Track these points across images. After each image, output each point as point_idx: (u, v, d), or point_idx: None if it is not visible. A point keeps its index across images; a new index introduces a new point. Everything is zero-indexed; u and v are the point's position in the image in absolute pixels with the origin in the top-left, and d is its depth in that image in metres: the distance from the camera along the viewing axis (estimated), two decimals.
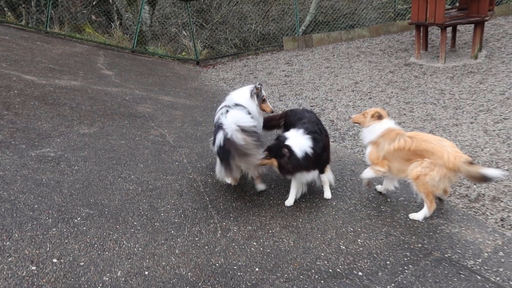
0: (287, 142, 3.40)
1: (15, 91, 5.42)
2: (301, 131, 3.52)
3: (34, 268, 2.58)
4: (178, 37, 11.21)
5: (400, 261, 2.95)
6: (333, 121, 5.77)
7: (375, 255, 3.01)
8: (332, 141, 5.15)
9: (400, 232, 3.29)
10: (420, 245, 3.13)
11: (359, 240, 3.18)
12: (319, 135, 3.58)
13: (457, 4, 8.80)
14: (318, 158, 3.51)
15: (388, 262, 2.93)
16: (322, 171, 3.70)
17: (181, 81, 7.97)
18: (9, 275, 2.49)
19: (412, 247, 3.11)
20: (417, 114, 5.70)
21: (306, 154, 3.38)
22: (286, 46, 10.14)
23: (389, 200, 3.76)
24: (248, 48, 11.29)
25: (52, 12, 10.06)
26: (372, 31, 10.29)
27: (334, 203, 3.70)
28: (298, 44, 10.10)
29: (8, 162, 3.79)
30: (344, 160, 4.60)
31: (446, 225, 3.39)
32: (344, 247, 3.09)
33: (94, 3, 12.03)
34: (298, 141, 3.43)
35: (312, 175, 3.56)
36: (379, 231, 3.30)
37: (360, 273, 2.81)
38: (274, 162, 3.44)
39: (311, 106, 6.36)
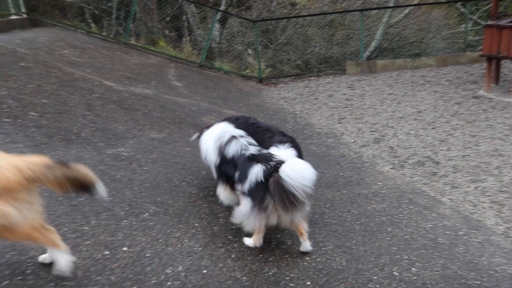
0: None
1: (97, 95, 5.98)
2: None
3: (107, 253, 2.85)
4: (243, 54, 11.68)
5: None
6: (393, 147, 5.72)
7: (429, 286, 2.96)
8: (391, 168, 5.11)
9: (457, 266, 3.20)
10: (478, 282, 3.03)
11: (413, 268, 3.14)
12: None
13: None
14: None
15: None
16: None
17: (243, 97, 8.28)
18: (87, 256, 2.78)
19: (469, 283, 3.02)
20: (483, 149, 5.49)
21: None
22: (349, 70, 10.19)
23: (447, 232, 3.67)
24: (310, 69, 11.47)
25: (131, 25, 10.93)
26: (439, 60, 10.05)
27: (390, 229, 3.67)
28: (361, 69, 10.10)
29: (89, 157, 4.20)
30: (402, 188, 4.55)
31: (508, 265, 3.25)
32: (397, 274, 3.07)
33: (168, 19, 12.92)
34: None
35: None
36: (435, 263, 3.23)
37: None
38: None
39: (371, 132, 6.34)
